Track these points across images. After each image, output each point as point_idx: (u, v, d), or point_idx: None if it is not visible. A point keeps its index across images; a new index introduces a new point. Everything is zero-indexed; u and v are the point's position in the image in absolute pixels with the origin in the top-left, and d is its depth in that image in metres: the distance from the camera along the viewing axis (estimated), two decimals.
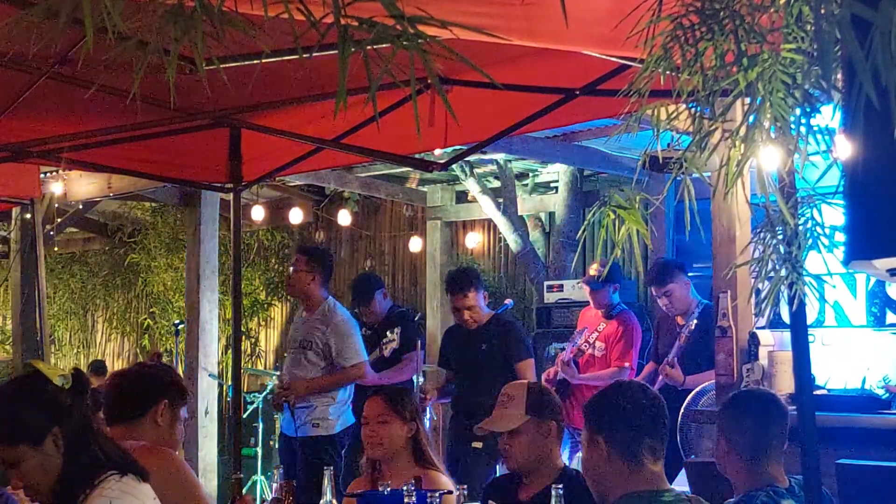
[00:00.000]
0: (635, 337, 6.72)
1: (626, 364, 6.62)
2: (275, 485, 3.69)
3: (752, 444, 3.24)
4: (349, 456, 6.54)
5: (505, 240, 9.39)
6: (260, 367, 11.27)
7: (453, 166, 7.40)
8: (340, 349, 6.19)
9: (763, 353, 4.87)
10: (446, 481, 3.96)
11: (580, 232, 2.50)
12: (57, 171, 7.58)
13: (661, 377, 6.15)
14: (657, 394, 2.99)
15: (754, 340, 4.87)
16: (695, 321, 6.12)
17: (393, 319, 6.95)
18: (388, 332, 6.84)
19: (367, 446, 4.15)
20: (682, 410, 5.48)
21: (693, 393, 5.64)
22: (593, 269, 6.76)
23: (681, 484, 4.71)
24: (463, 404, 6.48)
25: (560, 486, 3.06)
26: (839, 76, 1.70)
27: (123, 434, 3.37)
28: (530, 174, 9.45)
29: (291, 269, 6.43)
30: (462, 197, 9.90)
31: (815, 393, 4.06)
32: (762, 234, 2.09)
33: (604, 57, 3.44)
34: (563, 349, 7.32)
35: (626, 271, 8.48)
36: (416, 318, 7.34)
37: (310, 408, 6.20)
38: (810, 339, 3.19)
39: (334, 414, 6.20)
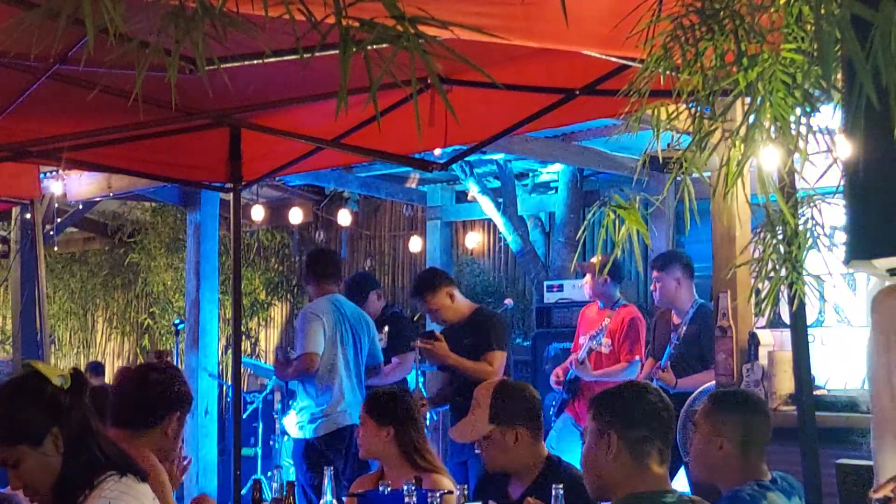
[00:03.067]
0: (640, 329, 6.70)
1: (637, 358, 6.60)
2: (275, 485, 3.69)
3: (740, 442, 3.25)
4: (353, 458, 6.53)
5: (505, 240, 9.39)
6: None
7: (453, 166, 7.40)
8: (294, 341, 6.27)
9: (763, 353, 4.87)
10: (447, 482, 3.95)
11: (580, 232, 2.51)
12: (57, 171, 7.57)
13: (654, 379, 6.15)
14: (669, 401, 2.99)
15: (754, 340, 4.87)
16: (684, 327, 6.12)
17: (381, 320, 6.93)
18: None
19: None
20: (682, 411, 5.48)
21: (695, 393, 5.65)
22: (595, 259, 6.76)
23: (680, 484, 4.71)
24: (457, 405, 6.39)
25: (560, 486, 3.06)
26: (839, 76, 1.70)
27: (127, 438, 3.35)
28: (530, 174, 9.45)
29: None
30: (462, 197, 9.90)
31: (815, 393, 4.06)
32: (762, 234, 2.09)
33: (604, 57, 3.44)
34: (563, 349, 7.32)
35: (625, 271, 8.49)
36: (413, 319, 7.31)
37: (297, 412, 6.28)
38: (810, 339, 3.19)
39: (311, 419, 6.20)
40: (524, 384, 4.04)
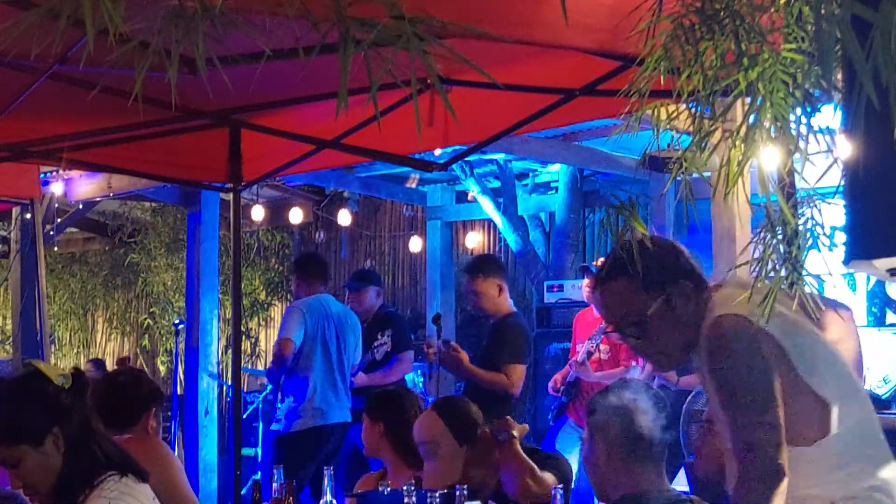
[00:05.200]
0: None
1: (634, 363, 6.60)
2: (275, 485, 3.69)
3: None
4: (346, 457, 6.52)
5: (505, 240, 9.39)
6: (260, 367, 11.27)
7: (453, 166, 7.40)
8: None
9: None
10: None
11: (579, 232, 2.51)
12: (57, 171, 7.58)
13: (656, 377, 6.15)
14: (659, 394, 2.97)
15: None
16: None
17: (383, 320, 6.89)
18: (378, 335, 6.79)
19: None
20: (684, 410, 5.47)
21: (693, 392, 5.64)
22: (597, 262, 6.76)
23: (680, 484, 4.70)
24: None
25: (560, 486, 3.06)
26: (839, 76, 1.70)
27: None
28: (530, 174, 9.45)
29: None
30: (462, 197, 9.90)
31: None
32: (762, 234, 2.09)
33: (604, 57, 3.44)
34: (563, 349, 7.31)
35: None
36: (408, 317, 7.32)
37: (280, 404, 6.31)
38: None
39: (284, 413, 6.23)
40: (455, 397, 4.07)
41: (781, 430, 2.42)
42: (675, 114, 2.09)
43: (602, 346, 6.75)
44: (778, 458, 2.39)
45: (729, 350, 2.48)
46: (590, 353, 6.77)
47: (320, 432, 6.20)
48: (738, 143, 1.94)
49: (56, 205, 8.48)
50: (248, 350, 11.49)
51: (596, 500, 3.41)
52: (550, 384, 6.90)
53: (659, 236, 2.80)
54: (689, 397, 5.60)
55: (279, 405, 6.40)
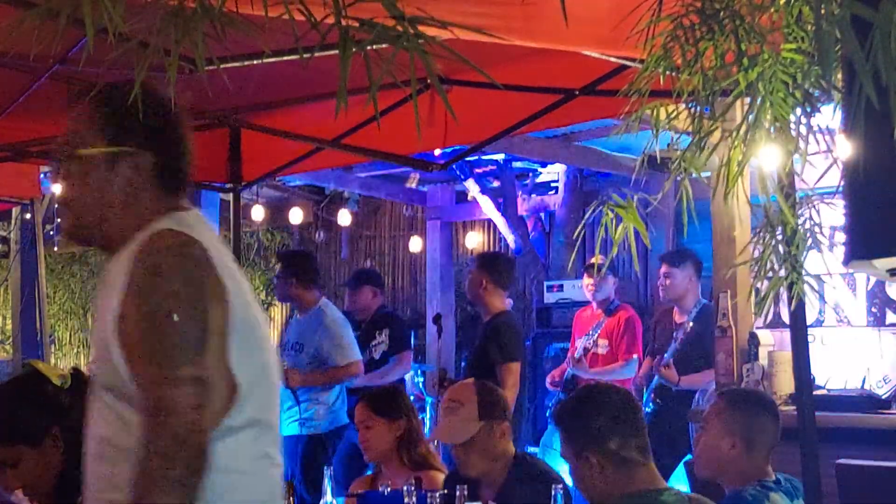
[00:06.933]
0: (637, 328, 6.72)
1: (635, 356, 6.61)
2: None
3: (749, 441, 3.24)
4: (344, 456, 6.53)
5: (505, 240, 9.39)
6: None
7: (453, 166, 7.40)
8: (333, 349, 6.23)
9: (763, 353, 4.87)
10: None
11: (577, 231, 2.50)
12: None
13: (656, 377, 6.15)
14: (626, 389, 2.98)
15: (754, 340, 4.87)
16: (691, 323, 6.10)
17: (380, 320, 6.91)
18: (375, 334, 6.80)
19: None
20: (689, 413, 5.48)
21: (696, 396, 5.65)
22: (595, 259, 6.78)
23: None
24: None
25: (560, 486, 3.06)
26: (839, 76, 1.70)
27: None
28: (530, 174, 9.45)
29: (275, 276, 6.55)
30: (462, 197, 9.90)
31: (815, 393, 4.06)
32: (762, 234, 2.09)
33: (604, 57, 3.44)
34: (562, 348, 7.31)
35: (624, 271, 8.49)
36: (406, 318, 7.33)
37: (299, 408, 6.26)
38: (810, 339, 3.19)
39: (320, 415, 6.22)
40: (491, 385, 4.09)
41: (212, 389, 1.88)
42: (674, 114, 2.09)
43: (600, 341, 6.77)
44: (200, 425, 1.84)
45: (169, 268, 1.95)
46: (587, 350, 6.78)
47: (338, 432, 6.29)
48: (738, 143, 1.94)
49: (56, 205, 8.48)
50: None
51: None
52: (548, 378, 6.93)
53: (161, 97, 2.19)
54: (694, 401, 5.61)
55: (299, 408, 6.35)
